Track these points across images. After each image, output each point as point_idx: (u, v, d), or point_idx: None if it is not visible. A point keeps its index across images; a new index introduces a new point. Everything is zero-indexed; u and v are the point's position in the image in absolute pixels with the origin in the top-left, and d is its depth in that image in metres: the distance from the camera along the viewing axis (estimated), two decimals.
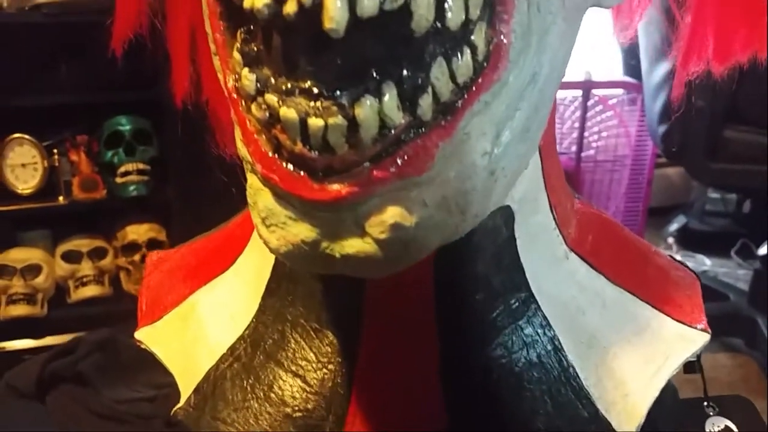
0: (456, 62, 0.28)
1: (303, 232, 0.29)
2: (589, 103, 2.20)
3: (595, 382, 0.40)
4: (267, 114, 0.28)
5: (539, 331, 0.40)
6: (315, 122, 0.27)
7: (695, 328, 0.43)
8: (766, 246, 1.91)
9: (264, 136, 0.29)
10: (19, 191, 1.67)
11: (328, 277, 0.38)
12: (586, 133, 2.25)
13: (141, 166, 1.71)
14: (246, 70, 0.29)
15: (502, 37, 0.29)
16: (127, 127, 1.71)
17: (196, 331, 0.45)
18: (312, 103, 0.27)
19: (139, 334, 0.47)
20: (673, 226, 2.74)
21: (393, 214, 0.28)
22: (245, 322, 0.43)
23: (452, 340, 0.39)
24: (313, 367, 0.40)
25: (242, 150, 0.31)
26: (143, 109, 1.72)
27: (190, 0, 0.45)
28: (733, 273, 2.51)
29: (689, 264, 1.97)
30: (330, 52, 0.26)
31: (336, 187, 0.28)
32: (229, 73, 0.31)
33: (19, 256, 1.71)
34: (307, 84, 0.27)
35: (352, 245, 0.29)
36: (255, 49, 0.29)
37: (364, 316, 0.39)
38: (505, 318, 0.39)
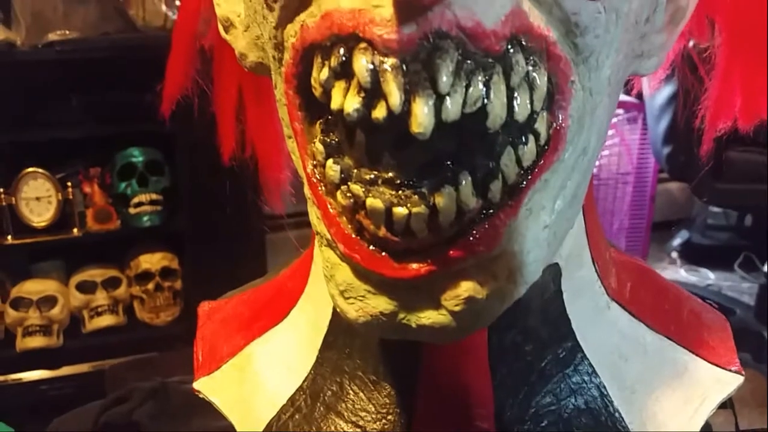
0: (522, 149, 0.31)
1: (381, 304, 0.32)
2: None
3: (639, 426, 0.43)
4: (352, 201, 0.31)
5: (586, 378, 0.42)
6: (400, 211, 0.29)
7: (729, 370, 0.45)
8: None
9: (345, 218, 0.32)
10: (35, 224, 1.69)
11: None
12: None
13: (154, 196, 1.74)
14: (330, 161, 0.31)
15: (561, 122, 0.32)
16: (140, 159, 1.75)
17: (253, 381, 0.47)
18: (395, 192, 0.29)
19: (197, 385, 0.49)
20: (677, 241, 2.77)
21: (466, 288, 0.31)
22: (303, 374, 0.45)
23: (505, 390, 0.41)
24: (372, 417, 0.42)
25: (320, 227, 0.34)
26: (155, 140, 1.75)
27: (238, 66, 0.47)
28: (737, 286, 2.54)
29: (693, 278, 1.99)
30: (412, 146, 0.29)
31: (415, 266, 0.30)
32: (307, 159, 0.33)
33: (34, 288, 1.73)
34: (390, 174, 0.30)
35: (428, 316, 0.31)
36: (336, 139, 0.32)
37: (420, 369, 0.41)
38: (553, 367, 0.42)
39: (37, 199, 1.69)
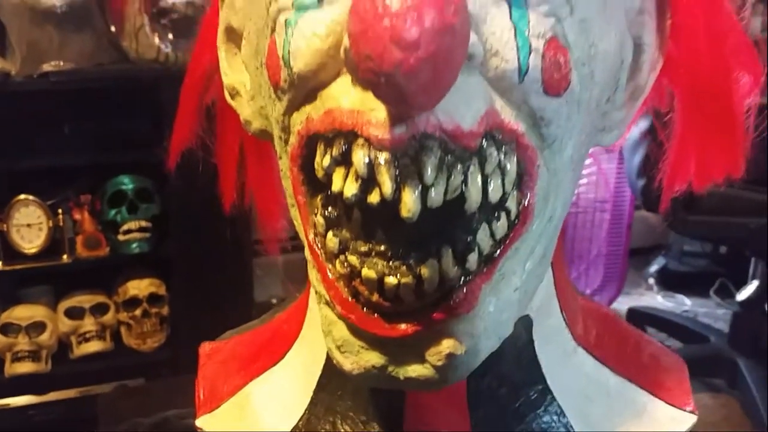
0: (495, 224, 0.36)
1: (373, 359, 0.36)
2: None
3: None
4: (349, 270, 0.36)
5: (555, 418, 0.47)
6: (390, 281, 0.34)
7: (684, 410, 0.50)
8: (744, 291, 2.00)
9: (342, 283, 0.36)
10: (25, 251, 1.71)
11: None
12: None
13: (143, 223, 1.77)
14: (330, 233, 0.36)
15: (529, 199, 0.37)
16: (130, 186, 1.78)
17: (252, 419, 0.51)
18: (387, 264, 0.34)
19: (199, 422, 0.53)
20: (654, 267, 2.84)
21: (447, 345, 0.35)
22: (299, 413, 0.49)
23: (482, 429, 0.45)
24: None
25: (319, 287, 0.38)
26: (145, 168, 1.79)
27: (240, 125, 0.51)
28: (713, 313, 2.59)
29: (670, 304, 2.04)
30: (401, 225, 0.34)
31: (403, 327, 0.35)
32: (309, 228, 0.38)
33: (23, 313, 1.75)
34: (382, 248, 0.34)
35: (414, 370, 0.36)
36: (335, 213, 0.36)
37: (405, 410, 0.46)
38: (526, 408, 0.46)
39: (28, 226, 1.71)
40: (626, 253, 2.52)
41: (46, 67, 1.58)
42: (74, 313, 1.79)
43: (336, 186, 0.34)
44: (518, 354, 0.46)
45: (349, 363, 0.37)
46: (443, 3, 0.27)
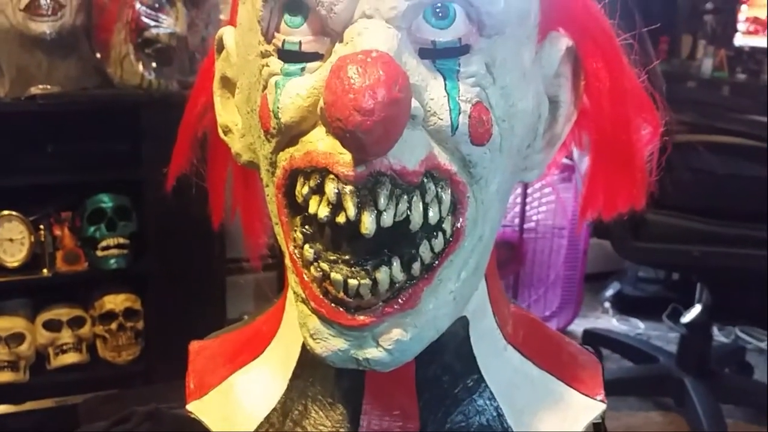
0: (434, 241, 0.46)
1: (339, 344, 0.46)
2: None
3: None
4: (321, 274, 0.46)
5: (487, 402, 0.57)
6: (353, 282, 0.44)
7: (595, 399, 0.61)
8: (688, 314, 2.12)
9: (315, 284, 0.47)
10: (7, 264, 1.78)
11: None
12: (527, 208, 2.47)
13: (121, 240, 1.84)
14: (307, 245, 0.47)
15: (460, 223, 0.47)
16: (109, 204, 1.85)
17: (235, 404, 0.61)
18: (350, 269, 0.45)
19: (190, 407, 0.62)
20: (609, 292, 2.95)
21: (396, 333, 0.46)
22: (276, 398, 0.59)
23: (428, 410, 0.56)
24: (328, 429, 0.56)
25: (297, 288, 0.48)
26: (124, 187, 1.87)
27: (229, 155, 0.61)
28: (665, 336, 2.70)
29: (624, 327, 2.16)
30: (361, 240, 0.44)
31: (362, 318, 0.45)
32: (290, 241, 0.48)
33: (3, 324, 1.81)
34: (347, 257, 0.45)
35: (371, 353, 0.46)
36: (310, 230, 0.47)
37: (364, 394, 0.56)
38: (463, 393, 0.57)
39: (11, 241, 1.78)
40: (582, 278, 2.64)
41: (34, 90, 1.65)
42: (52, 326, 1.86)
43: (312, 209, 0.45)
44: (457, 348, 0.56)
45: (320, 347, 0.47)
46: (391, 83, 0.38)
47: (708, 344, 2.15)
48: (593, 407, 0.60)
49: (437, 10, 0.44)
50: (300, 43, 0.46)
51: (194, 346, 0.67)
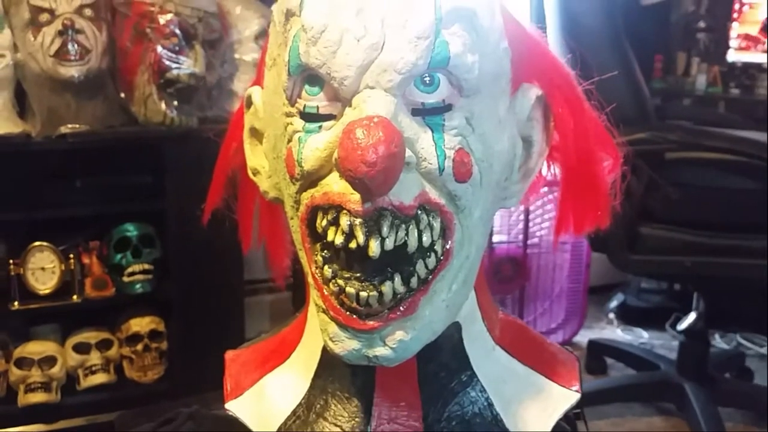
0: (428, 260, 0.58)
1: (353, 344, 0.58)
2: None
3: (513, 426, 0.69)
4: (338, 288, 0.57)
5: (479, 394, 0.68)
6: (363, 294, 0.56)
7: (571, 389, 0.71)
8: (684, 321, 2.20)
9: (333, 297, 0.58)
10: (39, 292, 1.89)
11: (354, 366, 0.66)
12: (530, 225, 2.58)
13: (146, 266, 1.94)
14: (326, 266, 0.58)
15: (449, 246, 0.59)
16: (134, 233, 1.96)
17: (267, 401, 0.72)
18: (361, 284, 0.56)
19: (228, 405, 0.73)
20: (613, 303, 3.02)
21: (399, 335, 0.57)
22: (301, 395, 0.70)
23: (429, 402, 0.67)
24: (346, 420, 0.67)
25: (318, 301, 0.60)
26: (148, 217, 1.98)
27: (257, 190, 0.73)
28: (668, 344, 2.76)
29: (629, 337, 2.26)
30: (369, 261, 0.55)
31: (371, 323, 0.57)
32: (312, 263, 0.60)
33: (36, 348, 1.92)
34: (358, 275, 0.56)
35: (380, 351, 0.57)
36: (328, 254, 0.58)
37: (375, 389, 0.67)
38: (458, 386, 0.68)
39: (43, 269, 1.89)
40: (586, 290, 2.72)
41: (64, 129, 1.75)
42: (82, 348, 1.95)
43: (330, 237, 0.56)
44: (453, 349, 0.67)
45: (338, 348, 0.59)
46: (389, 141, 0.50)
47: (706, 350, 2.20)
48: (570, 396, 0.71)
49: (425, 78, 0.56)
50: (317, 107, 0.58)
51: (229, 354, 0.78)
